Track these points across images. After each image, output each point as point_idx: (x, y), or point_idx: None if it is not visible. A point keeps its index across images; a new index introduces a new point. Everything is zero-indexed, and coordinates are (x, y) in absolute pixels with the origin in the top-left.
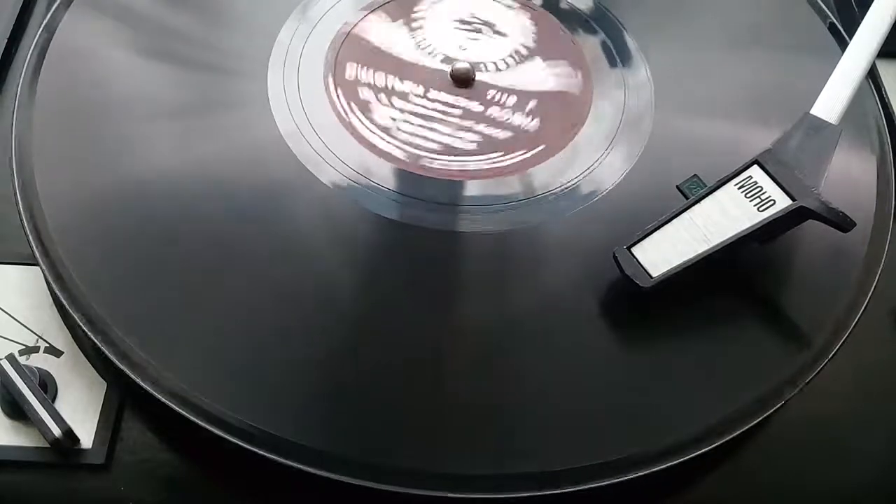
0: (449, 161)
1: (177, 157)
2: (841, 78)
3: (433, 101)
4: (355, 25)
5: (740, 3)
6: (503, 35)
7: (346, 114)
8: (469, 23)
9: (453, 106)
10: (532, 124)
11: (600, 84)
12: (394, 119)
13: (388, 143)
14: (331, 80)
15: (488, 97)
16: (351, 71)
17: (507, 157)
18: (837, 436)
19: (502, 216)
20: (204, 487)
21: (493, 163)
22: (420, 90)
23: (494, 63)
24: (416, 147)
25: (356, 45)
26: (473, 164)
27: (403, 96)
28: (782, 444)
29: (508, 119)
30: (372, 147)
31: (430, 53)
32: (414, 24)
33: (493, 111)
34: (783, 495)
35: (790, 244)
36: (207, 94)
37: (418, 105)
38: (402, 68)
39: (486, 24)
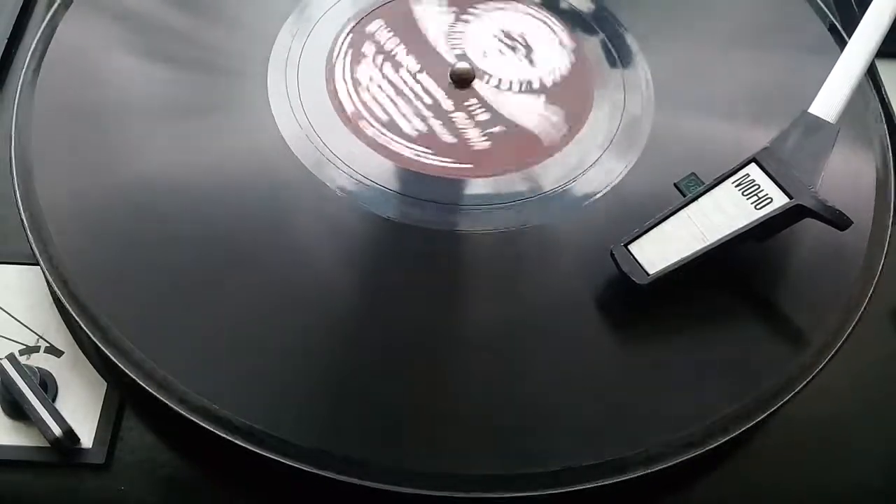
0: (381, 133)
1: (176, 157)
2: (839, 77)
3: (417, 82)
4: None
5: (740, 3)
6: (531, 63)
7: (336, 56)
8: (511, 38)
9: (429, 94)
10: (480, 144)
11: (582, 135)
12: (371, 78)
13: (348, 95)
14: (351, 24)
15: (465, 103)
16: (374, 25)
17: (433, 157)
18: (837, 436)
19: (502, 216)
20: (204, 487)
21: (416, 154)
22: (415, 69)
23: (500, 79)
24: (367, 110)
25: (399, 8)
26: (397, 146)
27: (397, 66)
28: (782, 444)
29: (464, 130)
30: (333, 92)
31: (452, 46)
32: (463, 17)
33: (458, 116)
34: (783, 495)
35: (790, 243)
36: (207, 94)
37: (401, 78)
38: (418, 45)
39: (525, 46)
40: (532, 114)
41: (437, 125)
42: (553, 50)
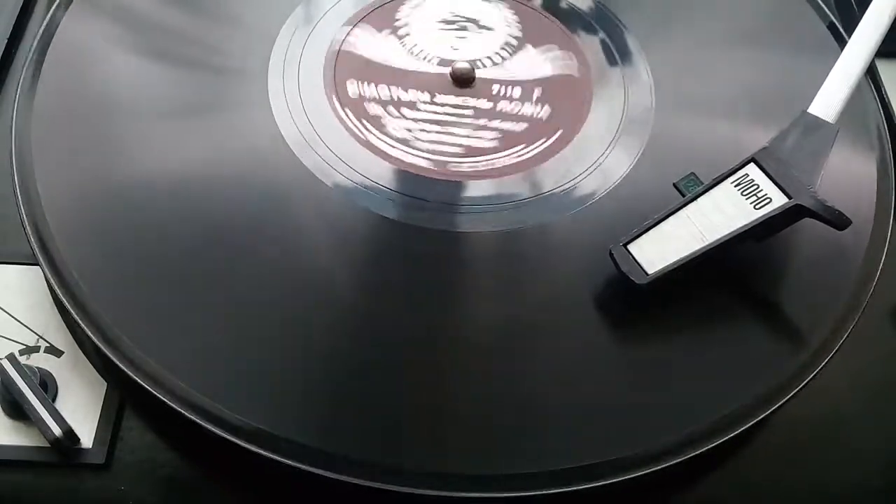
0: (475, 162)
1: (176, 156)
2: (839, 77)
3: (442, 105)
4: (343, 42)
5: (740, 2)
6: (489, 29)
7: (362, 132)
8: (453, 21)
9: (463, 107)
10: (543, 112)
11: (599, 73)
12: (409, 130)
13: (411, 154)
14: (336, 101)
15: (494, 92)
16: (352, 88)
17: (530, 147)
18: (837, 436)
19: (502, 216)
20: (204, 487)
21: (519, 156)
22: (426, 97)
23: (490, 58)
24: (440, 154)
25: (350, 62)
26: (500, 160)
27: (412, 105)
28: (782, 444)
29: (519, 111)
30: (398, 161)
31: (425, 59)
32: (400, 32)
33: (503, 105)
34: (783, 495)
35: (791, 243)
36: (207, 94)
37: (429, 112)
38: (403, 78)
39: (469, 20)
40: (540, 63)
41: (499, 124)
42: (486, 7)
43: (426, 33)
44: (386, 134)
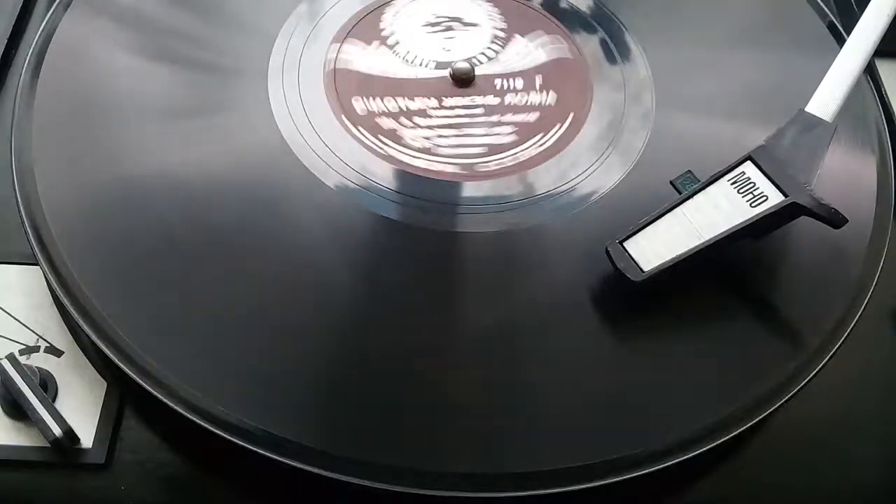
0: (501, 159)
1: (176, 156)
2: (836, 76)
3: (452, 108)
4: (336, 60)
5: (740, 1)
6: (475, 25)
7: (382, 148)
8: (437, 23)
9: (472, 106)
10: (550, 98)
11: (597, 71)
12: (427, 138)
13: (435, 161)
14: (346, 120)
15: (498, 87)
16: (359, 105)
17: (548, 135)
18: (837, 435)
19: (502, 216)
20: (204, 487)
21: (541, 146)
22: (434, 102)
23: (483, 53)
24: (464, 157)
25: (349, 79)
26: (524, 153)
27: (422, 113)
28: (782, 444)
29: (527, 101)
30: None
31: (421, 64)
32: (389, 41)
33: (510, 98)
34: (783, 495)
35: (790, 243)
36: (207, 94)
37: (441, 117)
38: (405, 87)
39: (453, 19)
40: (532, 50)
41: (512, 117)
42: (465, 3)
43: (415, 38)
44: (405, 145)
